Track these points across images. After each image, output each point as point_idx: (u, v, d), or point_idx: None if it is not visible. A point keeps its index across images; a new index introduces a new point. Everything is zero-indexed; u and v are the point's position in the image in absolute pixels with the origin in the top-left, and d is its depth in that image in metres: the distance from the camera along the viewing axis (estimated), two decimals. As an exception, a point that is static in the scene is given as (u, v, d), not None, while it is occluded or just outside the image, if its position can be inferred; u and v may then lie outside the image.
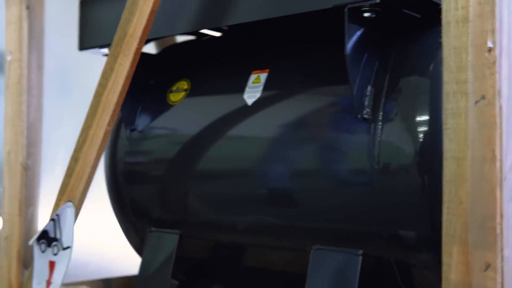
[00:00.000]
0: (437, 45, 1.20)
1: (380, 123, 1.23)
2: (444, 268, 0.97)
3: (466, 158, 0.95)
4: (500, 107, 0.93)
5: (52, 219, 1.53)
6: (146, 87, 1.72)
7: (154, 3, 1.42)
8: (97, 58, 1.81)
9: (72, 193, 1.52)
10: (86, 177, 1.51)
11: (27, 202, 1.74)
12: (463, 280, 0.95)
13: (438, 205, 1.01)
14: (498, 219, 0.93)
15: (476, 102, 0.94)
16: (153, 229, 1.67)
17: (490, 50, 0.93)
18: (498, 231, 0.93)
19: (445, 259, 0.97)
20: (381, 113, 1.23)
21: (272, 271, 1.53)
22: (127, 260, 2.01)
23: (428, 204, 1.18)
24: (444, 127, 0.98)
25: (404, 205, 1.21)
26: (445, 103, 0.97)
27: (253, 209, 1.46)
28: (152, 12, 1.43)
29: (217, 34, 1.73)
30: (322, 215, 1.34)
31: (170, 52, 1.82)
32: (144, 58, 1.59)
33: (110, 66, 1.48)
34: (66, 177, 1.54)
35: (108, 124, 1.49)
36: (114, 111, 1.49)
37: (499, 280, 0.92)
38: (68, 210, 1.52)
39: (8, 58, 1.72)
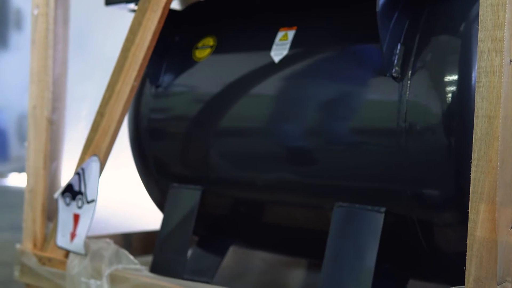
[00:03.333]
0: (470, 5, 1.20)
1: (408, 82, 1.23)
2: (470, 224, 0.98)
3: (498, 117, 0.95)
4: (535, 66, 0.93)
5: (77, 173, 1.55)
6: (171, 43, 1.72)
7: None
8: (122, 14, 1.81)
9: (97, 148, 1.54)
10: (111, 132, 1.53)
11: (52, 156, 1.76)
12: (489, 237, 0.96)
13: (463, 165, 1.01)
14: (527, 177, 0.94)
15: (511, 61, 0.94)
16: (175, 184, 1.69)
17: (528, 7, 0.92)
18: (526, 189, 0.94)
19: (471, 216, 0.98)
20: (410, 72, 1.23)
21: (293, 228, 1.55)
22: (148, 216, 2.04)
23: (453, 164, 1.19)
24: (476, 85, 0.97)
25: (430, 164, 1.22)
26: (479, 61, 0.97)
27: (276, 167, 1.47)
28: (181, -33, 1.42)
29: (244, -10, 1.72)
30: (345, 173, 1.35)
31: (196, 8, 1.81)
32: (170, 14, 1.58)
33: (138, 21, 1.48)
34: (91, 132, 1.56)
35: (135, 80, 1.50)
36: (141, 66, 1.49)
37: (524, 237, 0.94)
38: (93, 164, 1.54)
39: (35, 12, 1.72)
